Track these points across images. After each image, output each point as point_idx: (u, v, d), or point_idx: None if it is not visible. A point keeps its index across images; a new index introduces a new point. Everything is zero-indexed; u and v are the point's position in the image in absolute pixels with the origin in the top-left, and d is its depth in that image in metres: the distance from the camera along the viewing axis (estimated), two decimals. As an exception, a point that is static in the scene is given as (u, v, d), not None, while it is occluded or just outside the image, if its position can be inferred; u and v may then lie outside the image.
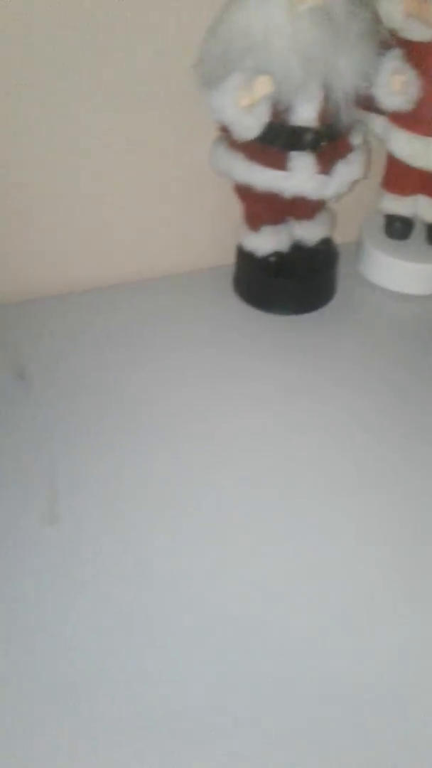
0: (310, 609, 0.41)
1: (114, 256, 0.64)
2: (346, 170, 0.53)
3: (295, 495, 0.47)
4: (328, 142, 0.52)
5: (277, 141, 0.51)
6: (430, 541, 0.45)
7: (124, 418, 0.52)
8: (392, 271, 0.63)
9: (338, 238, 0.63)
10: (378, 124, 0.56)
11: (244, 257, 0.61)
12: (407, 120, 0.54)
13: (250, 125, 0.48)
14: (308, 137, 0.51)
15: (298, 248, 0.61)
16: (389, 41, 0.51)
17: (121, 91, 0.55)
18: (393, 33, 0.51)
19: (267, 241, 0.58)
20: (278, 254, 0.59)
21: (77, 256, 0.62)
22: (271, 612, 0.41)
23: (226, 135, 0.53)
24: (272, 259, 0.59)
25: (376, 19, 0.51)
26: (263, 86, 0.46)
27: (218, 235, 0.64)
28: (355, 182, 0.55)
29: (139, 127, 0.57)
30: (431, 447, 0.51)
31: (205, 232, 0.65)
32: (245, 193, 0.55)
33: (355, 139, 0.54)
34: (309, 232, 0.60)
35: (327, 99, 0.50)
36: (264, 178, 0.52)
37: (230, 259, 0.63)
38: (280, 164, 0.52)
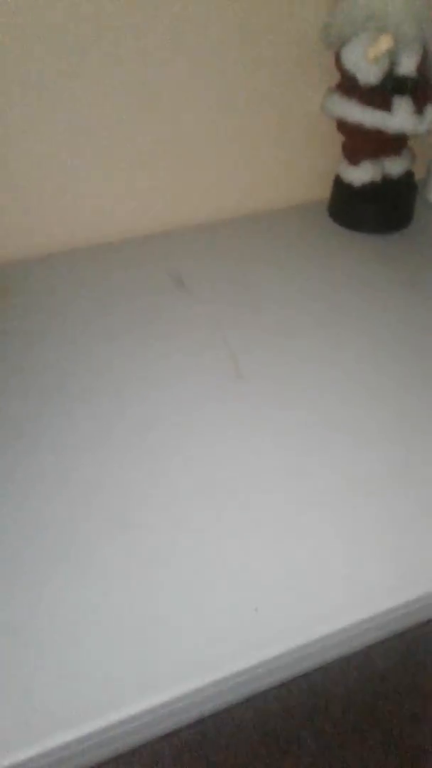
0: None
1: (229, 192, 0.77)
2: (434, 111, 0.68)
3: (374, 383, 0.62)
4: (420, 88, 0.66)
5: (386, 87, 0.65)
6: None
7: (262, 311, 0.66)
8: (458, 197, 0.78)
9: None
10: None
11: (342, 187, 0.75)
12: None
13: (376, 72, 0.62)
14: (409, 84, 0.65)
15: (385, 180, 0.75)
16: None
17: (241, 50, 0.69)
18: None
19: (365, 173, 0.73)
20: (372, 184, 0.73)
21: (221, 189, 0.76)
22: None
23: (343, 84, 0.67)
24: (367, 188, 0.73)
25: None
26: (386, 43, 0.60)
27: (313, 175, 0.78)
28: (440, 122, 0.69)
29: (253, 82, 0.71)
30: None
31: (303, 171, 0.79)
32: (354, 132, 0.69)
33: (439, 87, 0.69)
34: (396, 166, 0.74)
35: (424, 54, 0.64)
36: (374, 117, 0.66)
37: (319, 195, 0.77)
38: (386, 106, 0.66)
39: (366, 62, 0.61)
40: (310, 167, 0.78)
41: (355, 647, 0.52)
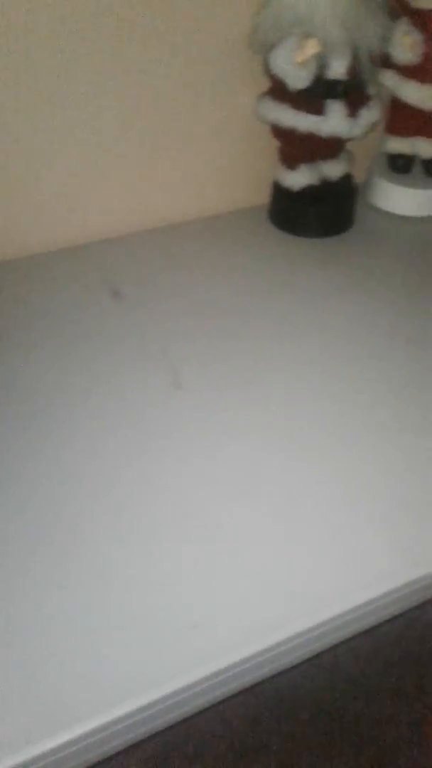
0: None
1: (167, 199, 0.77)
2: (368, 114, 0.68)
3: (323, 379, 0.62)
4: (354, 92, 0.66)
5: (317, 91, 0.64)
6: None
7: (203, 319, 0.65)
8: (398, 197, 0.78)
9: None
10: (389, 78, 0.71)
11: (281, 191, 0.75)
12: (415, 72, 0.68)
13: (304, 77, 0.61)
14: (340, 87, 0.64)
15: (324, 183, 0.75)
16: (398, 10, 0.65)
17: (174, 61, 0.68)
18: (402, 4, 0.65)
19: (303, 177, 0.72)
20: (310, 187, 0.73)
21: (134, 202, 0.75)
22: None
23: (274, 89, 0.66)
24: (306, 192, 0.73)
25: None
26: (313, 46, 0.60)
27: (251, 180, 0.78)
28: (374, 124, 0.69)
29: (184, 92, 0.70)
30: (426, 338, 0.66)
31: (241, 176, 0.78)
32: (288, 136, 0.69)
33: (373, 90, 0.69)
34: (334, 169, 0.74)
35: (354, 57, 0.64)
36: (306, 122, 0.66)
37: (259, 200, 0.77)
38: (318, 110, 0.66)
39: (294, 67, 0.61)
40: (250, 172, 0.78)
41: (322, 647, 0.52)
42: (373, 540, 0.48)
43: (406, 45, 0.65)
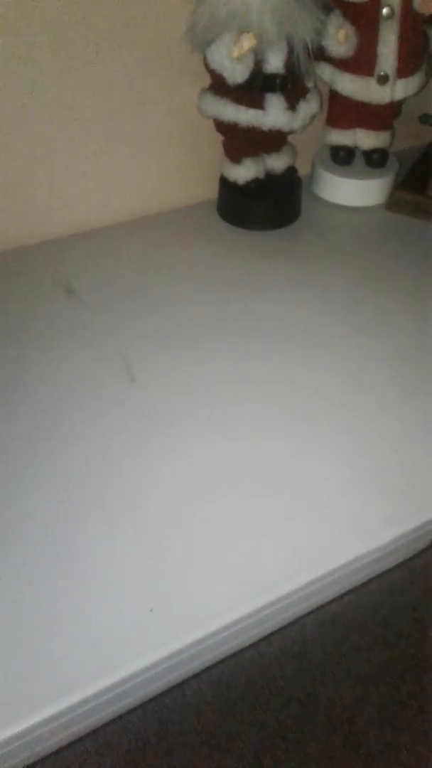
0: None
1: (117, 197, 0.77)
2: (307, 107, 0.69)
3: (278, 362, 0.63)
4: (292, 85, 0.67)
5: (255, 85, 0.66)
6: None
7: (156, 314, 0.66)
8: (341, 188, 0.80)
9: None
10: (326, 71, 0.72)
11: (228, 186, 0.76)
12: (349, 65, 0.70)
13: (242, 71, 0.63)
14: (278, 81, 0.66)
15: (269, 176, 0.76)
16: (331, 4, 0.67)
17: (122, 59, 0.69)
18: (335, -3, 0.67)
19: (247, 171, 0.74)
20: (256, 181, 0.75)
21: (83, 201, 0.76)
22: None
23: (215, 84, 0.67)
24: (252, 185, 0.74)
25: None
26: (249, 41, 0.61)
27: (199, 175, 0.79)
28: (314, 116, 0.71)
29: (133, 87, 0.71)
30: (373, 325, 0.67)
31: (189, 172, 0.79)
32: (230, 130, 0.70)
33: (310, 83, 0.70)
34: (278, 162, 0.75)
35: (290, 50, 0.65)
36: (247, 116, 0.67)
37: (207, 195, 0.78)
38: (258, 104, 0.67)
39: (231, 62, 0.62)
40: (197, 167, 0.79)
41: (291, 633, 0.53)
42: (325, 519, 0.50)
43: (339, 38, 0.66)
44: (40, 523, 0.49)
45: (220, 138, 0.74)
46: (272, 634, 0.59)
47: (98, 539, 0.48)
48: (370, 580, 0.53)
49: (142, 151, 0.75)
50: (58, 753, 0.46)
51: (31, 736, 0.41)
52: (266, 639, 1.12)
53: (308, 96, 0.70)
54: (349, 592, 0.53)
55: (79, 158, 0.73)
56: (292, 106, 0.68)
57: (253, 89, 0.66)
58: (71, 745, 0.46)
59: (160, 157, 0.77)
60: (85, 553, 0.47)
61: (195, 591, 0.46)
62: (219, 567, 0.47)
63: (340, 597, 0.56)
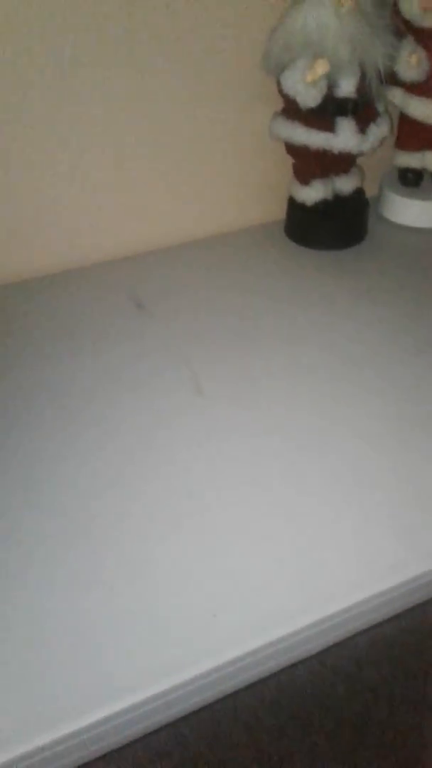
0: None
1: (190, 217, 0.80)
2: (378, 130, 0.70)
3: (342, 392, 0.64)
4: (363, 109, 0.69)
5: (328, 109, 0.67)
6: None
7: (223, 329, 0.68)
8: (409, 210, 0.80)
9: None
10: (397, 95, 0.73)
11: (296, 207, 0.77)
12: (420, 89, 0.71)
13: (315, 95, 0.64)
14: (350, 105, 0.67)
15: (337, 197, 0.77)
16: (404, 30, 0.68)
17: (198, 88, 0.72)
18: (407, 23, 0.68)
19: (316, 192, 0.75)
20: (324, 202, 0.76)
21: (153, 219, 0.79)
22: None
23: (287, 108, 0.69)
24: (320, 206, 0.76)
25: (395, 14, 0.68)
26: (323, 66, 0.63)
27: (268, 196, 0.81)
28: (383, 139, 0.72)
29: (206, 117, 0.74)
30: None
31: (258, 193, 0.81)
32: (301, 153, 0.72)
33: (381, 107, 0.71)
34: (346, 184, 0.77)
35: (362, 75, 0.67)
36: (318, 139, 0.69)
37: (275, 216, 0.80)
38: (329, 128, 0.68)
39: (304, 86, 0.64)
40: (266, 188, 0.81)
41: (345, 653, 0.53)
42: (381, 533, 0.50)
43: (411, 63, 0.67)
44: (104, 527, 0.51)
45: (287, 160, 0.76)
46: (326, 653, 0.59)
47: (166, 543, 0.50)
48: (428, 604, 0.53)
49: (214, 173, 0.78)
50: (108, 757, 0.47)
51: (80, 738, 0.42)
52: (320, 659, 1.12)
53: (378, 120, 0.71)
54: (406, 616, 0.53)
55: (154, 179, 0.75)
56: (362, 129, 0.69)
57: (325, 113, 0.68)
58: (121, 750, 0.47)
59: (230, 178, 0.79)
60: (154, 557, 0.49)
61: (257, 599, 0.47)
62: (285, 575, 0.48)
63: (396, 621, 0.56)
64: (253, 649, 0.45)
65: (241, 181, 0.79)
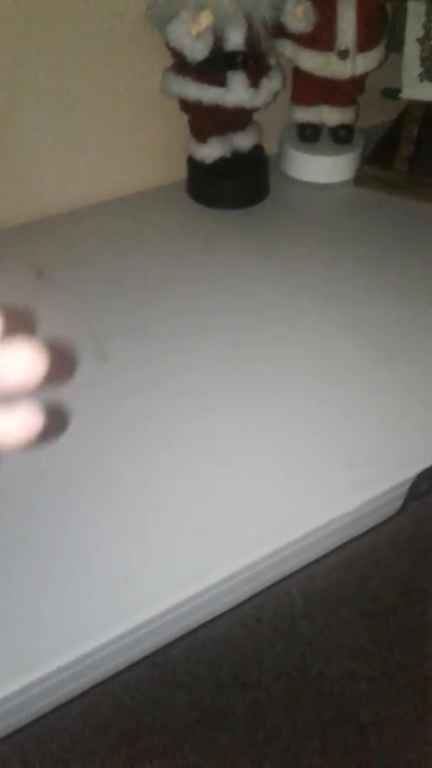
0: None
1: (87, 181, 0.78)
2: (270, 84, 0.70)
3: (256, 342, 0.64)
4: (253, 62, 0.68)
5: (217, 63, 0.66)
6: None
7: (127, 293, 0.67)
8: (309, 165, 0.80)
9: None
10: (287, 47, 0.73)
11: (196, 165, 0.76)
12: (309, 41, 0.71)
13: (201, 48, 0.63)
14: (239, 58, 0.67)
15: (237, 155, 0.77)
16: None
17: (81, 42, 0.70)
18: (292, -26, 0.68)
19: (214, 150, 0.74)
20: (223, 160, 0.75)
21: (59, 182, 0.76)
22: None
23: (177, 63, 0.68)
24: (219, 164, 0.75)
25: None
26: (206, 18, 0.62)
27: (168, 156, 0.80)
28: (276, 93, 0.71)
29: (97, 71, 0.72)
30: (343, 299, 0.68)
31: (157, 153, 0.80)
32: (195, 109, 0.71)
33: (272, 60, 0.71)
34: (244, 141, 0.76)
35: (250, 27, 0.66)
36: (210, 94, 0.68)
37: (177, 176, 0.79)
38: (220, 82, 0.68)
39: (190, 39, 0.63)
40: (166, 148, 0.79)
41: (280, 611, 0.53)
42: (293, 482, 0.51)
43: (298, 14, 0.67)
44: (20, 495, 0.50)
45: (185, 118, 0.75)
46: (261, 611, 0.59)
47: (76, 511, 0.49)
48: (357, 556, 0.53)
49: (110, 134, 0.76)
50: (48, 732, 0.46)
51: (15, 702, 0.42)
52: (256, 617, 1.13)
53: (270, 73, 0.70)
54: (336, 569, 0.53)
55: (47, 144, 0.73)
56: (254, 83, 0.69)
57: (215, 67, 0.67)
58: (64, 728, 0.47)
59: (129, 138, 0.77)
60: (67, 519, 0.48)
61: (173, 556, 0.47)
62: (200, 531, 0.48)
63: (328, 573, 0.57)
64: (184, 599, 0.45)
65: (139, 141, 0.78)
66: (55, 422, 0.54)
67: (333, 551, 0.53)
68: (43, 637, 0.43)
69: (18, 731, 0.45)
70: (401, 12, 0.73)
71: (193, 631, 0.49)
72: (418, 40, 0.73)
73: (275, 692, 1.01)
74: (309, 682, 1.02)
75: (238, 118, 0.73)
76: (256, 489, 0.50)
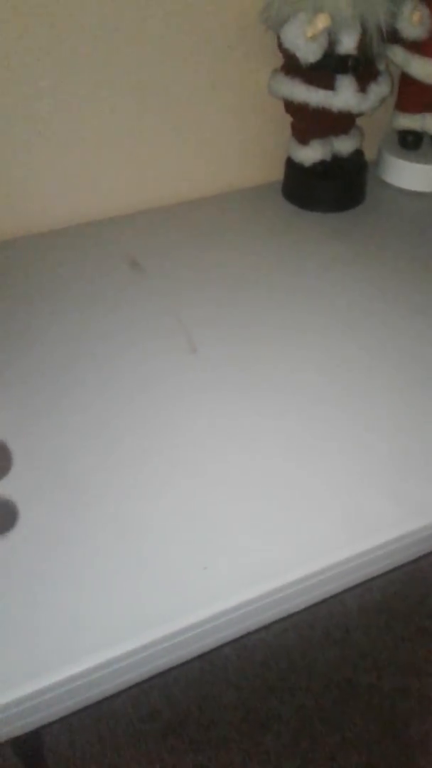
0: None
1: (184, 176, 0.79)
2: (378, 89, 0.70)
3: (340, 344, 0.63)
4: (363, 67, 0.68)
5: (328, 66, 0.66)
6: None
7: (218, 290, 0.67)
8: (407, 173, 0.79)
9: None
10: (398, 54, 0.72)
11: (294, 167, 0.77)
12: (422, 48, 0.70)
13: (315, 50, 0.63)
14: (350, 62, 0.66)
15: (336, 158, 0.76)
16: (407, -14, 0.67)
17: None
18: (411, -20, 0.67)
19: (315, 152, 0.74)
20: (322, 163, 0.75)
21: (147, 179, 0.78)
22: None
23: (287, 65, 0.68)
24: (318, 167, 0.75)
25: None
26: (323, 21, 0.62)
27: (266, 156, 0.80)
28: (384, 99, 0.71)
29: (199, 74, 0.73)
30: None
31: (255, 153, 0.80)
32: (300, 111, 0.71)
33: (381, 66, 0.70)
34: (345, 145, 0.76)
35: (364, 32, 0.66)
36: (317, 97, 0.68)
37: (273, 177, 0.79)
38: (329, 85, 0.67)
39: (304, 41, 0.63)
40: (264, 149, 0.80)
41: (334, 620, 0.52)
42: (375, 491, 0.50)
43: (413, 21, 0.66)
44: (97, 484, 0.51)
45: (286, 120, 0.75)
46: (315, 617, 0.59)
47: (161, 498, 0.50)
48: (417, 571, 0.52)
49: (210, 132, 0.77)
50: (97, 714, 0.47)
51: (67, 688, 0.42)
52: (309, 623, 1.12)
53: (379, 78, 0.70)
54: (395, 582, 0.52)
55: (151, 139, 0.74)
56: (362, 88, 0.68)
57: (325, 70, 0.67)
58: (112, 707, 0.47)
59: (227, 137, 0.78)
60: (147, 511, 0.49)
61: (245, 554, 0.47)
62: (277, 530, 0.48)
63: (385, 587, 0.56)
64: (243, 602, 0.45)
65: (240, 140, 0.79)
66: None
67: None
68: (108, 624, 0.43)
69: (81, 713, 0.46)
70: None
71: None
72: None
73: (323, 700, 1.00)
74: (359, 694, 1.01)
75: (342, 122, 0.73)
76: (350, 488, 0.50)
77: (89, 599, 0.44)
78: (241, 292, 0.67)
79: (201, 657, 0.48)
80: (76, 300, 0.66)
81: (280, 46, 0.66)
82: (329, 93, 0.68)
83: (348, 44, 0.66)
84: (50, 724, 0.44)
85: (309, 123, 0.73)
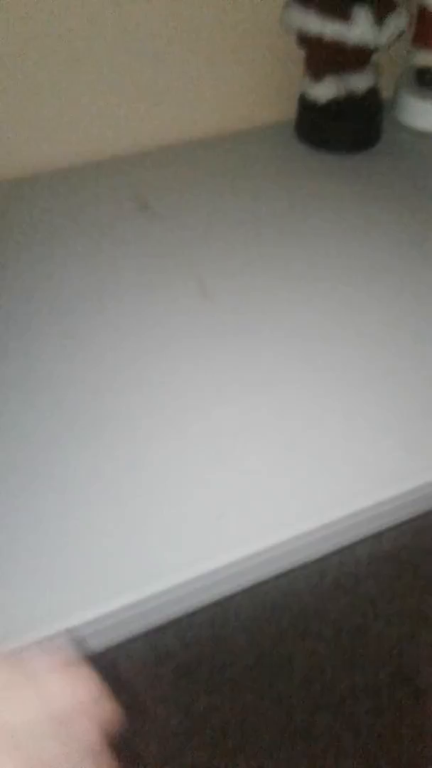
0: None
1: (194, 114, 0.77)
2: (396, 21, 0.67)
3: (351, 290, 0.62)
4: (380, -3, 0.65)
5: (344, -5, 0.64)
6: None
7: (229, 232, 0.66)
8: (425, 113, 0.77)
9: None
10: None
11: (307, 106, 0.75)
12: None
13: (331, -22, 0.61)
14: (367, -9, 0.64)
15: (351, 97, 0.74)
16: None
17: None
18: None
19: (329, 89, 0.72)
20: (336, 101, 0.73)
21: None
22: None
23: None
24: (332, 105, 0.73)
25: None
26: None
27: (278, 94, 0.78)
28: (401, 33, 0.68)
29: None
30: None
31: (268, 91, 0.78)
32: (314, 45, 0.69)
33: (399, -3, 0.68)
34: (360, 82, 0.73)
35: (382, -41, 0.63)
36: (333, 28, 0.66)
37: (285, 115, 0.77)
38: (345, 16, 0.65)
39: (319, -32, 0.60)
40: (276, 86, 0.78)
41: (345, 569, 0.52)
42: (388, 444, 0.50)
43: None
44: (112, 430, 0.50)
45: (298, 56, 0.73)
46: (326, 567, 0.59)
47: (172, 446, 0.49)
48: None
49: (221, 68, 0.75)
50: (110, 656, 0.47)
51: (86, 631, 0.43)
52: (320, 572, 1.14)
53: (397, 11, 0.67)
54: (405, 533, 0.52)
55: (162, 75, 0.72)
56: (379, 19, 0.66)
57: (342, 0, 0.64)
58: (127, 647, 0.47)
59: (242, 75, 0.76)
60: (159, 460, 0.49)
61: (263, 505, 0.47)
62: (289, 480, 0.48)
63: (395, 538, 0.56)
64: (255, 552, 0.45)
65: (252, 77, 0.76)
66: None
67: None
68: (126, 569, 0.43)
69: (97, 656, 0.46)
70: None
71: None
72: None
73: (335, 646, 1.01)
74: (369, 642, 1.02)
75: (357, 57, 0.71)
76: (362, 439, 0.50)
77: (107, 548, 0.44)
78: (252, 235, 0.66)
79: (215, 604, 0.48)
80: (86, 243, 0.65)
81: (293, -26, 0.64)
82: (345, 25, 0.65)
83: (365, -28, 0.63)
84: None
85: (323, 57, 0.70)
